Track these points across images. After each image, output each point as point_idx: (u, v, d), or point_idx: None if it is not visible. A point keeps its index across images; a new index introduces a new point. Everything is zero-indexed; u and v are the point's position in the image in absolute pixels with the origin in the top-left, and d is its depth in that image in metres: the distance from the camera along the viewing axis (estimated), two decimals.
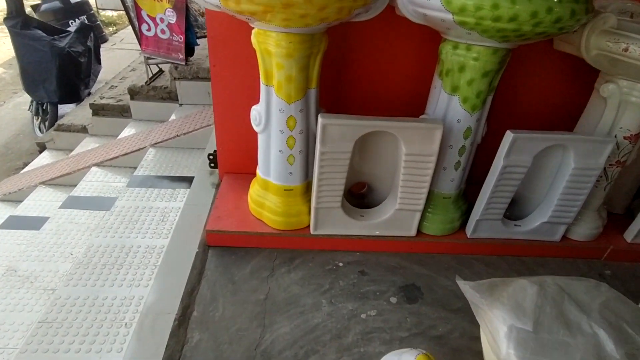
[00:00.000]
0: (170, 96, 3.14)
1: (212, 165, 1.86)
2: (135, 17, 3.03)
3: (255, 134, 1.37)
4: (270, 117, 1.27)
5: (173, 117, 3.02)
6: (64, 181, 2.65)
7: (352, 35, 1.44)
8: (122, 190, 2.09)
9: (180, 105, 3.11)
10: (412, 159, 1.28)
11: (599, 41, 1.20)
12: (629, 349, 0.86)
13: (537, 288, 0.97)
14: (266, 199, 1.43)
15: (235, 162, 1.70)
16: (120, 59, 5.58)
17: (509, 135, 1.25)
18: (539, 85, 1.61)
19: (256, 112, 1.31)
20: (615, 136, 1.36)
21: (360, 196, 1.58)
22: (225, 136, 1.64)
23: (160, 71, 3.40)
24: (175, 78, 3.06)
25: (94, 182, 2.40)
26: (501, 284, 1.01)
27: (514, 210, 1.56)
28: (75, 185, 2.53)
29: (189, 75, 3.04)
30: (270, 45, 1.13)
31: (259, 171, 1.44)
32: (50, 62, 3.74)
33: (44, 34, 3.79)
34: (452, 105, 1.28)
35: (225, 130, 1.62)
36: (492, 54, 1.15)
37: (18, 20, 3.67)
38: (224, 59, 1.46)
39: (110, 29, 7.57)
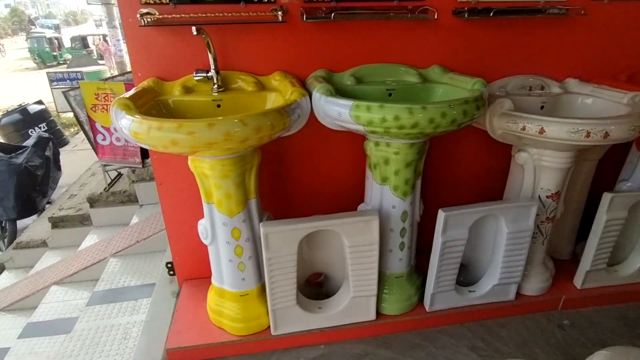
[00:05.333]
0: (130, 199, 3.17)
1: (171, 272, 1.87)
2: (89, 130, 3.13)
3: None
4: (216, 231, 1.32)
5: (135, 218, 3.02)
6: (23, 304, 2.54)
7: (286, 143, 1.54)
8: (83, 309, 2.03)
9: (141, 206, 3.13)
10: (356, 250, 1.34)
11: (500, 123, 1.36)
12: None
13: None
14: (224, 307, 1.43)
15: (192, 268, 1.72)
16: (81, 160, 5.59)
17: (441, 215, 1.34)
18: (464, 161, 1.75)
19: (202, 227, 1.36)
20: (539, 197, 1.48)
21: (318, 285, 1.62)
22: (179, 246, 1.67)
23: (119, 175, 3.45)
24: (133, 181, 3.10)
25: (54, 304, 2.31)
26: None
27: (468, 275, 1.63)
28: (35, 308, 2.43)
29: (147, 176, 3.10)
30: (206, 169, 1.21)
31: (213, 280, 1.46)
32: (8, 180, 3.73)
33: (1, 154, 3.82)
34: (385, 194, 1.38)
35: (179, 241, 1.66)
36: (410, 147, 1.27)
37: None
38: (168, 177, 1.53)
39: (72, 129, 7.65)
